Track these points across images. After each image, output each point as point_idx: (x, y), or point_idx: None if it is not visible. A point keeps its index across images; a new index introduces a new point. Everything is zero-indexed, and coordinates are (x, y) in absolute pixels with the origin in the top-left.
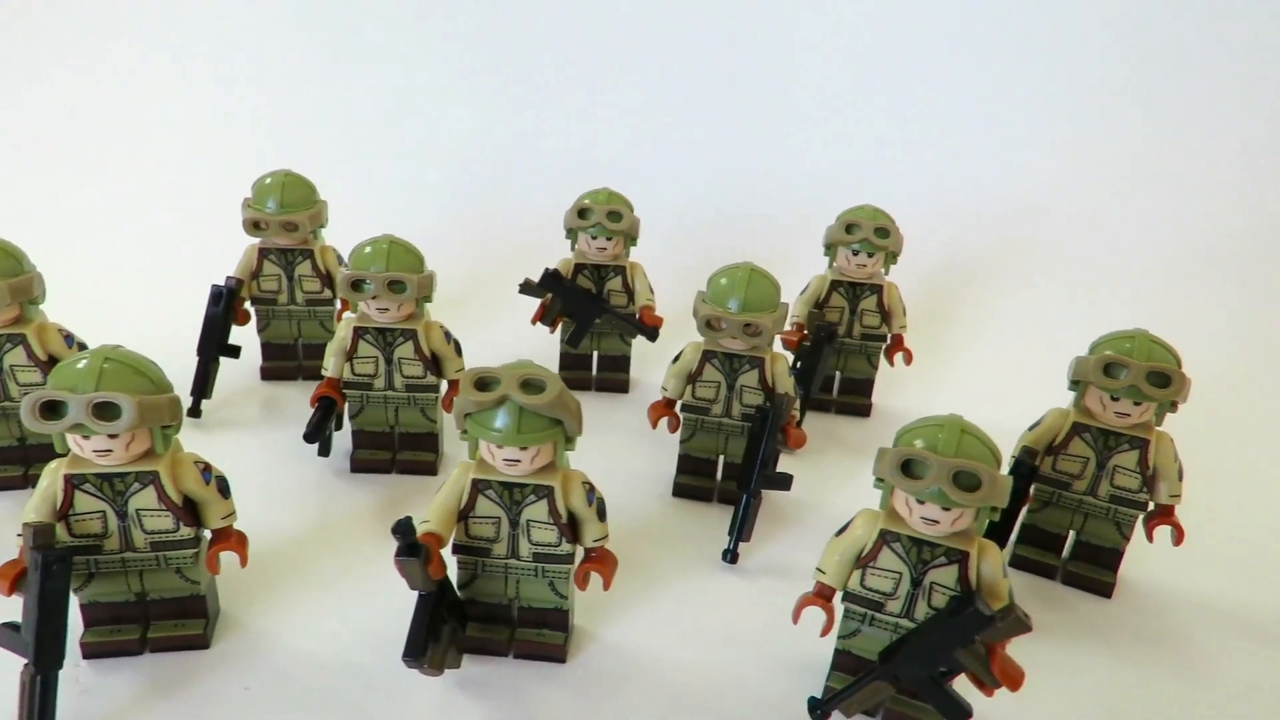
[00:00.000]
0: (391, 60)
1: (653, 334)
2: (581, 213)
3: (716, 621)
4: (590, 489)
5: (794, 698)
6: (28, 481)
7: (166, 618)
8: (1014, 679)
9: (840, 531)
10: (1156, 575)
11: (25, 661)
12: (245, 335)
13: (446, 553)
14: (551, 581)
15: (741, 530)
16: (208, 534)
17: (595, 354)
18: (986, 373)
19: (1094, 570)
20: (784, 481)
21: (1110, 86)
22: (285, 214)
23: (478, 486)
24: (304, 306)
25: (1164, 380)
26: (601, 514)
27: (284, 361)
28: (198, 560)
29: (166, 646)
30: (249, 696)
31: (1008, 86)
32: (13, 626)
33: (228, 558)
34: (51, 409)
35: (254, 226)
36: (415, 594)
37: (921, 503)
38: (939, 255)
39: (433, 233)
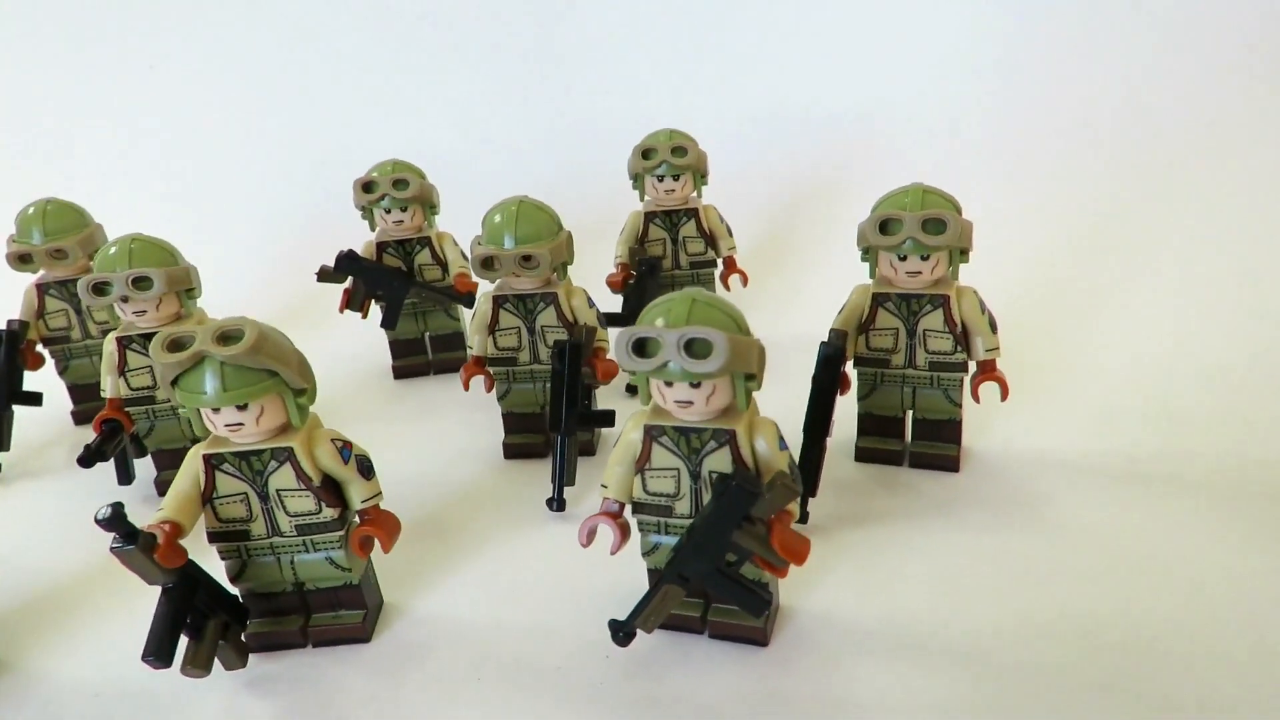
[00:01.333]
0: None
1: (469, 300)
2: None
3: (538, 574)
4: (345, 445)
5: (605, 634)
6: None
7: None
8: (797, 552)
9: (616, 442)
10: (1003, 443)
11: None
12: (45, 378)
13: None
14: (328, 555)
15: (563, 474)
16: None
17: (427, 335)
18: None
19: (936, 446)
20: (605, 418)
21: None
22: (51, 241)
23: (210, 463)
24: (99, 339)
25: (940, 226)
26: (365, 471)
27: (94, 403)
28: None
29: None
30: None
31: None
32: None
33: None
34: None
35: (21, 261)
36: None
37: (670, 385)
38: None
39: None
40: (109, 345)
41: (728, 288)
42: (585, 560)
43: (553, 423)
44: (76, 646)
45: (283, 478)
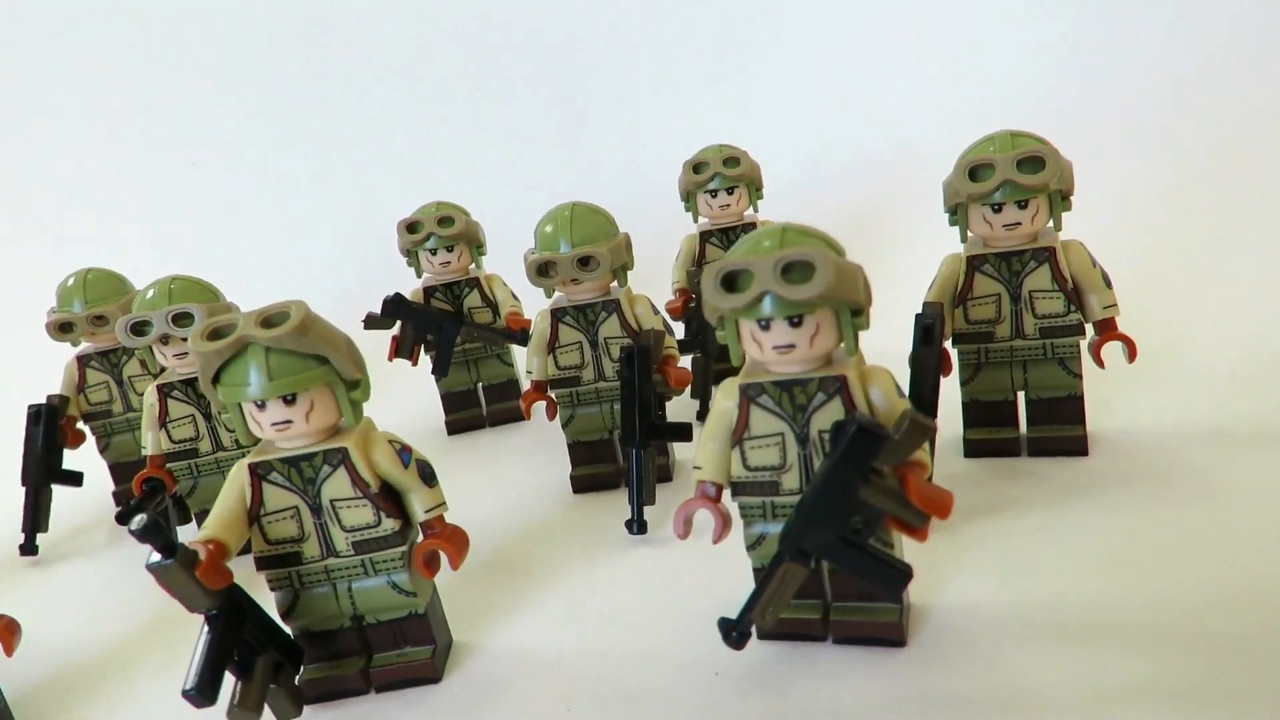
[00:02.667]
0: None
1: (523, 338)
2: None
3: (624, 600)
4: (404, 449)
5: (715, 651)
6: None
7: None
8: (939, 503)
9: (706, 419)
10: (1129, 418)
11: None
12: (87, 458)
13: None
14: (389, 577)
15: (640, 492)
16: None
17: (480, 386)
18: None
19: (1058, 429)
20: (681, 431)
21: None
22: (92, 309)
23: (257, 473)
24: (139, 412)
25: (1037, 164)
26: (428, 478)
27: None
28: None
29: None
30: None
31: None
32: None
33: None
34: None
35: (62, 330)
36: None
37: (766, 328)
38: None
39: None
40: (150, 397)
41: None
42: (677, 580)
43: (625, 435)
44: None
45: (337, 485)
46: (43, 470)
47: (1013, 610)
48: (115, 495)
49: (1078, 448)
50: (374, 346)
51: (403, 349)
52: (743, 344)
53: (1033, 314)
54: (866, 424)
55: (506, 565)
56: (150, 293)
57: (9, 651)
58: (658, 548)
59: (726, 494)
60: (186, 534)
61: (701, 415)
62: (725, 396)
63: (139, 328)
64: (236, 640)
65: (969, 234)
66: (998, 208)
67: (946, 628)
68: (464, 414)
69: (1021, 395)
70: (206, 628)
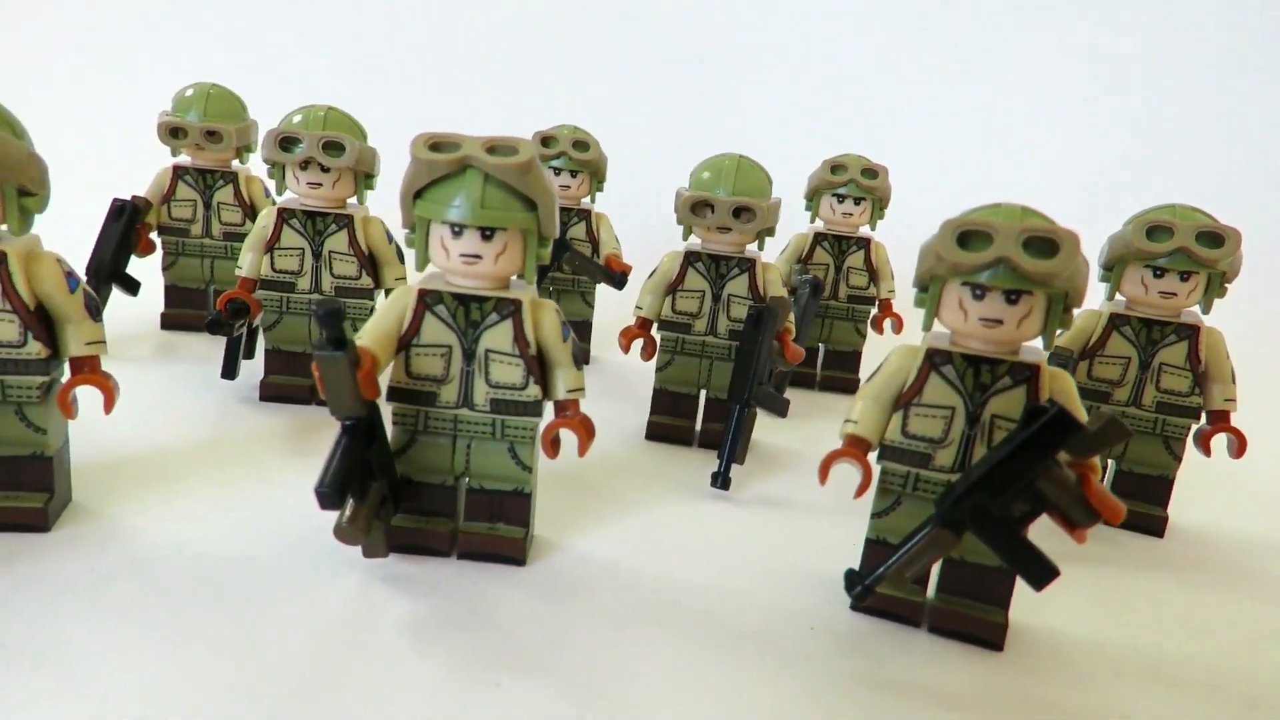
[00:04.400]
0: None
1: (620, 280)
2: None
3: (704, 543)
4: (565, 323)
5: (807, 607)
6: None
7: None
8: (1114, 508)
9: (870, 377)
10: (1204, 514)
11: None
12: (147, 275)
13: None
14: (512, 445)
15: (734, 449)
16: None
17: None
18: None
19: (1142, 505)
20: (779, 404)
21: None
22: (210, 122)
23: (425, 301)
24: (220, 241)
25: (1216, 241)
26: (578, 360)
27: (189, 310)
28: (47, 398)
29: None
30: (106, 575)
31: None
32: None
33: (88, 403)
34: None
35: (171, 135)
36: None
37: (980, 297)
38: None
39: None
40: (265, 218)
41: (880, 331)
42: (757, 536)
43: (734, 392)
44: (170, 510)
45: (498, 336)
46: (108, 267)
47: (1106, 646)
48: (163, 317)
49: (1155, 529)
50: None
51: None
52: (941, 311)
53: (1156, 386)
54: (1065, 411)
55: (581, 485)
56: (298, 117)
57: (109, 406)
58: (737, 505)
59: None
60: (248, 369)
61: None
62: (904, 357)
63: (287, 144)
64: (364, 457)
65: (1117, 293)
66: (1160, 273)
67: (1043, 645)
68: None
69: (1113, 463)
70: (345, 436)
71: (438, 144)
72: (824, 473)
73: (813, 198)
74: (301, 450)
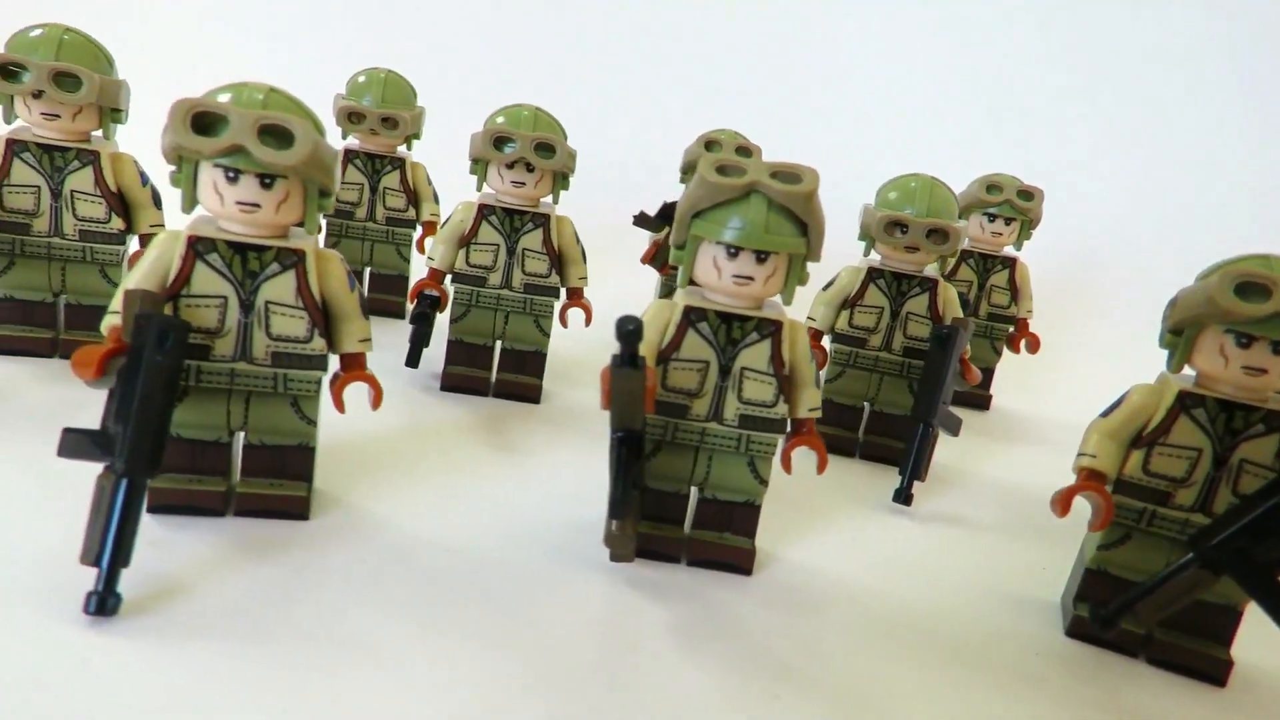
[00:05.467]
0: None
1: None
2: (709, 145)
3: (902, 559)
4: (811, 344)
5: (1022, 630)
6: (55, 349)
7: (261, 474)
8: None
9: (1107, 412)
10: None
11: (105, 466)
12: None
13: None
14: (752, 460)
15: (917, 466)
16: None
17: None
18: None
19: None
20: (954, 423)
21: None
22: (387, 109)
23: (690, 318)
24: (382, 225)
25: None
26: (818, 382)
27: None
28: (318, 391)
29: (258, 510)
30: (366, 570)
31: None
32: (86, 433)
33: (356, 401)
34: (204, 123)
35: (348, 119)
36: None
37: (1245, 345)
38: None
39: None
40: (463, 213)
41: (1016, 350)
42: (949, 559)
43: (921, 410)
44: (406, 501)
45: (755, 355)
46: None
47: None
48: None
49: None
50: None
51: (660, 257)
52: (1195, 356)
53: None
54: None
55: (775, 496)
56: (523, 113)
57: (377, 402)
58: (918, 521)
59: None
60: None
61: None
62: (1147, 396)
63: (501, 142)
64: (639, 469)
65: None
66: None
67: (1268, 685)
68: None
69: None
70: (623, 448)
71: (724, 168)
72: (1066, 506)
73: (964, 213)
74: (505, 445)
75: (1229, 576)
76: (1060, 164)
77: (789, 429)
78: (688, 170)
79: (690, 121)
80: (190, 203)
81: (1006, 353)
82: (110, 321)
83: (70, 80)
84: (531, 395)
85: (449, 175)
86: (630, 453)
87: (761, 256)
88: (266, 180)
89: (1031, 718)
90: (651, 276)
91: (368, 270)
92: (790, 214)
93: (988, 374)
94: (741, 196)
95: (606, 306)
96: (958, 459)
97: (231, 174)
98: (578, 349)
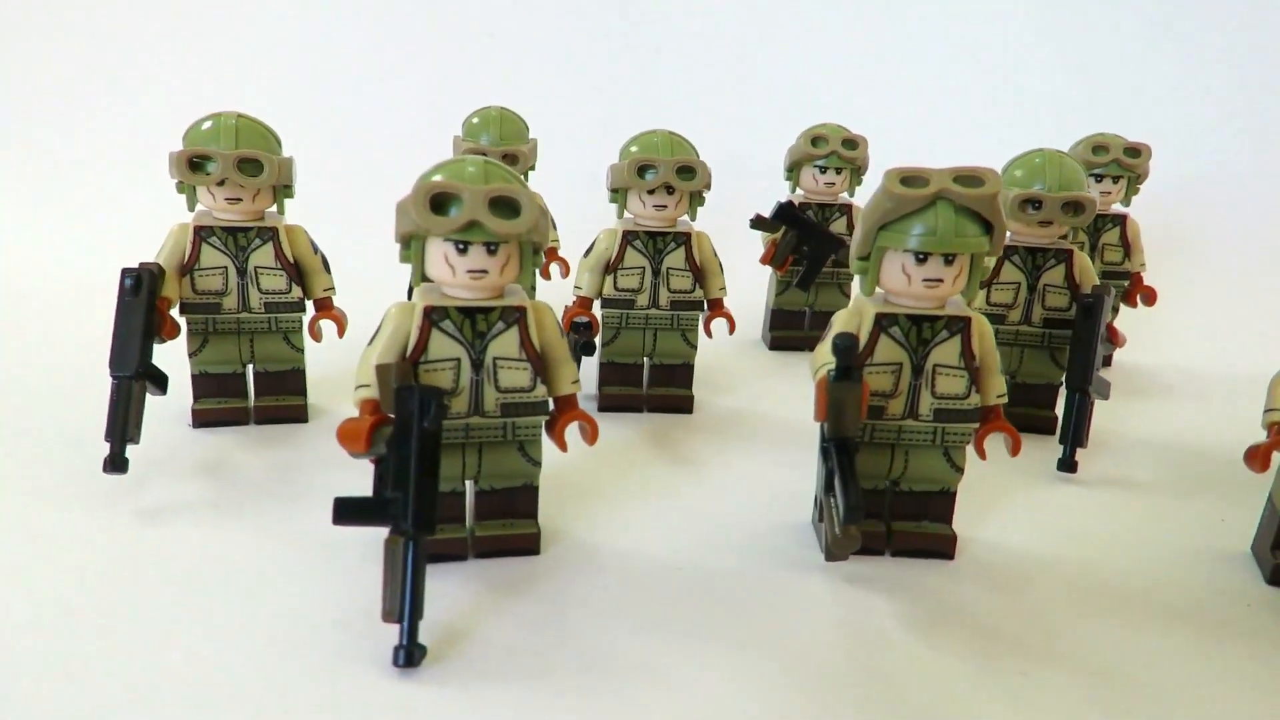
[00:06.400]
0: None
1: None
2: (815, 141)
3: (1082, 526)
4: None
5: (1225, 585)
6: (249, 416)
7: (494, 516)
8: None
9: None
10: None
11: (391, 530)
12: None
13: None
14: (949, 450)
15: (1078, 434)
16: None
17: (808, 311)
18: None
19: None
20: (1105, 388)
21: None
22: (505, 146)
23: (881, 323)
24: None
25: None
26: (1001, 367)
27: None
28: (540, 433)
29: (495, 550)
30: (610, 595)
31: None
32: (361, 500)
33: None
34: (441, 203)
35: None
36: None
37: None
38: None
39: None
40: (607, 240)
41: (1134, 304)
42: (1129, 516)
43: (1076, 378)
44: (614, 523)
45: (946, 351)
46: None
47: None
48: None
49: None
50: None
51: (779, 256)
52: None
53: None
54: None
55: None
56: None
57: (593, 438)
58: (1088, 487)
59: None
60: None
61: None
62: None
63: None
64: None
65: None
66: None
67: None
68: (790, 332)
69: None
70: (843, 455)
71: (908, 179)
72: (1265, 461)
73: (791, 171)
74: (678, 458)
75: None
76: (1145, 111)
77: (982, 418)
78: (793, 169)
79: (767, 118)
80: (420, 278)
81: (1123, 308)
82: (362, 395)
83: (252, 165)
84: (685, 406)
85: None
86: (848, 458)
87: (949, 259)
88: (492, 247)
89: (1258, 660)
90: (763, 277)
91: None
92: (974, 215)
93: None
94: (928, 205)
95: (735, 311)
96: (1101, 421)
97: (462, 246)
98: (719, 357)
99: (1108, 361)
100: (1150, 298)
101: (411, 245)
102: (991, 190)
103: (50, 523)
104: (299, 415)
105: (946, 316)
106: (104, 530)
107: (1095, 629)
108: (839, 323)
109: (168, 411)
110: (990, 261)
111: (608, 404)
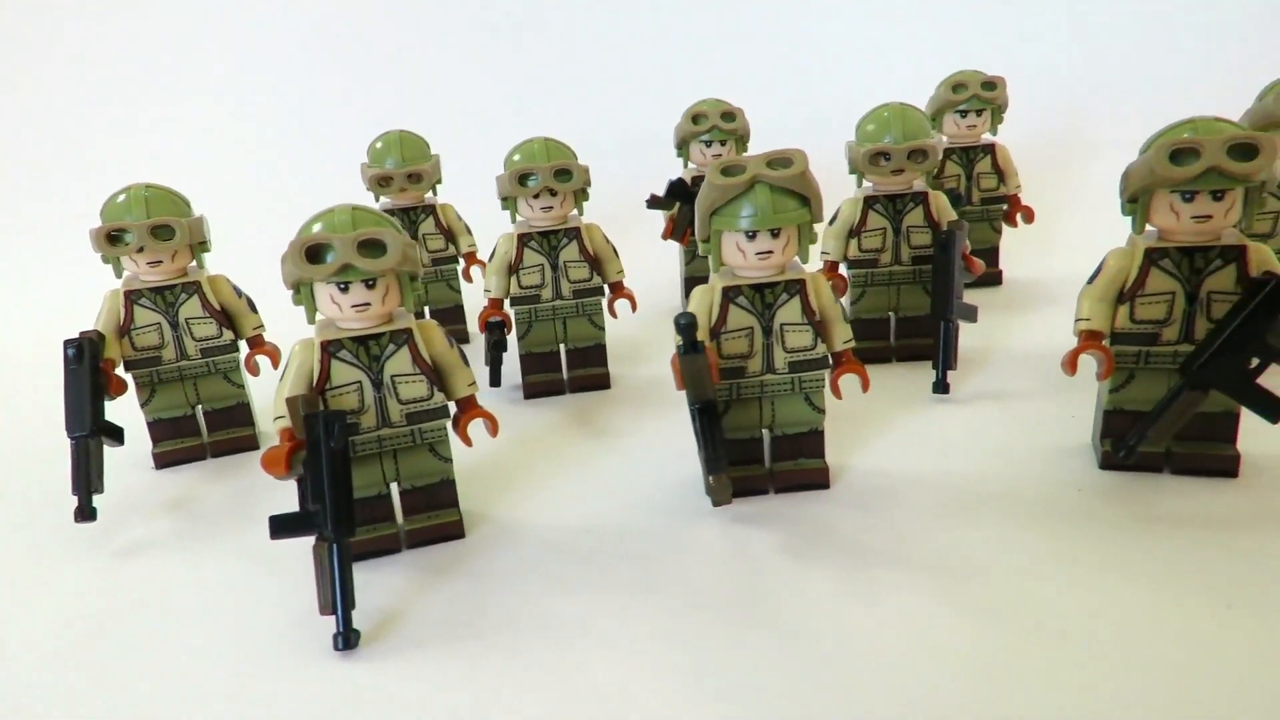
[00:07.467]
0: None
1: None
2: (695, 119)
3: (952, 440)
4: (831, 288)
5: (1063, 475)
6: (206, 451)
7: (419, 510)
8: None
9: (1092, 279)
10: None
11: (316, 537)
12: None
13: None
14: (808, 395)
15: (947, 357)
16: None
17: None
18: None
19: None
20: (971, 312)
21: None
22: (410, 166)
23: (728, 295)
24: (431, 268)
25: (1249, 151)
26: (845, 317)
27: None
28: (446, 434)
29: (425, 539)
30: (528, 564)
31: None
32: (289, 516)
33: (477, 433)
34: (315, 253)
35: (379, 184)
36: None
37: (1189, 200)
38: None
39: None
40: (506, 244)
41: (1013, 224)
42: (994, 425)
43: (937, 309)
44: (536, 503)
45: (790, 311)
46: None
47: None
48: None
49: (1228, 469)
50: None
51: (678, 229)
52: (1152, 216)
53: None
54: None
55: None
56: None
57: (494, 431)
58: (961, 405)
59: None
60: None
61: None
62: (1121, 259)
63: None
64: (718, 430)
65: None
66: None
67: (1272, 468)
68: None
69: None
70: (705, 416)
71: (728, 169)
72: (1073, 365)
73: (935, 119)
74: (597, 431)
75: (1216, 390)
76: (1024, 41)
77: (831, 363)
78: (682, 146)
79: (674, 94)
80: (312, 315)
81: (1007, 229)
82: (279, 425)
83: (165, 230)
84: (603, 383)
85: (472, 202)
86: (710, 418)
87: (775, 232)
88: (370, 282)
89: (1090, 541)
90: (674, 248)
91: (427, 309)
92: (791, 192)
93: (993, 252)
94: (748, 189)
95: (646, 287)
96: (984, 339)
97: (343, 286)
98: (631, 332)
99: (998, 279)
100: (1029, 216)
101: (300, 290)
102: (799, 169)
103: (37, 573)
104: (251, 444)
105: (784, 280)
106: (86, 574)
107: (946, 531)
108: (693, 301)
109: (132, 458)
110: (819, 228)
111: (532, 391)
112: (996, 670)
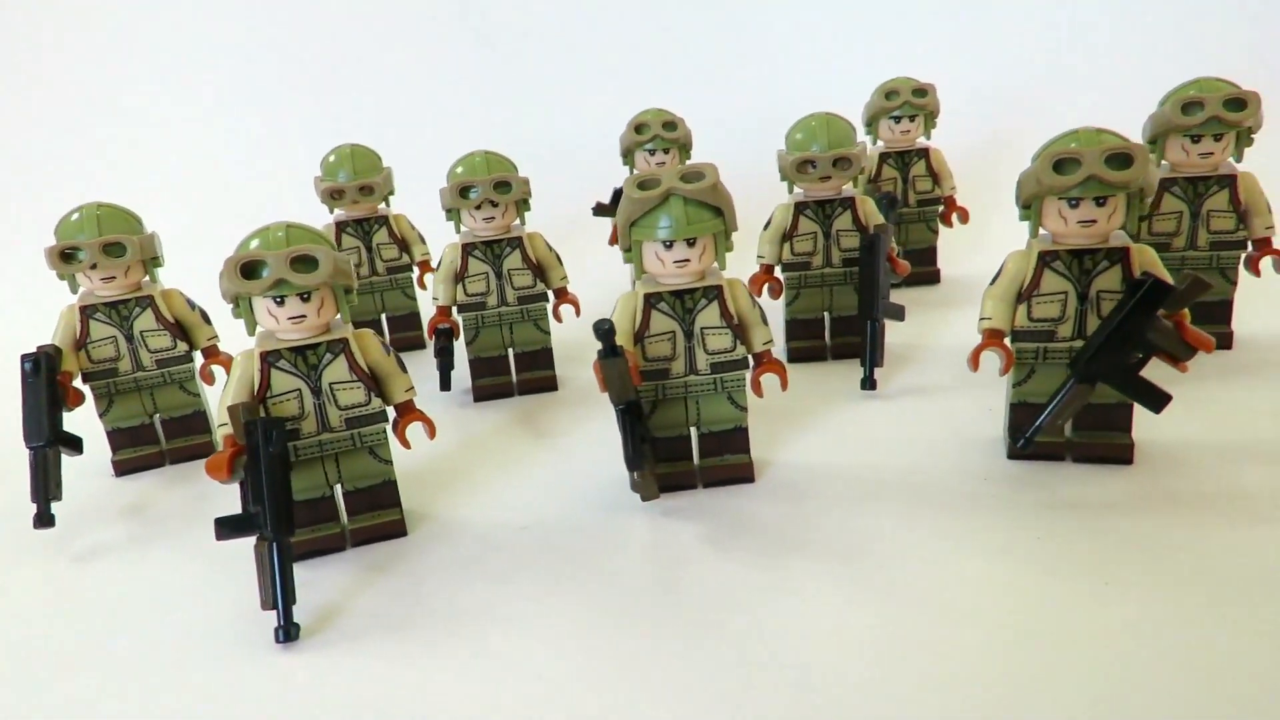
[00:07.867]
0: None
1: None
2: (638, 129)
3: (876, 435)
4: (749, 292)
5: (975, 465)
6: (164, 458)
7: (362, 510)
8: (1204, 342)
9: (993, 281)
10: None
11: (258, 537)
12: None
13: None
14: (730, 394)
15: (874, 355)
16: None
17: None
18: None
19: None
20: (899, 311)
21: None
22: (361, 179)
23: (650, 301)
24: (384, 276)
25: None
26: (764, 319)
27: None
28: (386, 437)
29: (368, 538)
30: (465, 560)
31: None
32: (233, 518)
33: (416, 436)
34: (250, 269)
35: (331, 197)
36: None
37: (1075, 206)
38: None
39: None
40: (452, 254)
41: (949, 224)
42: (914, 426)
43: (864, 310)
44: (478, 501)
45: (709, 315)
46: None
47: (1210, 443)
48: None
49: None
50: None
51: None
52: (1044, 221)
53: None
54: (1159, 279)
55: (763, 408)
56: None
57: (432, 434)
58: (887, 400)
59: None
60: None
61: None
62: (1019, 261)
63: (466, 191)
64: (643, 432)
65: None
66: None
67: (1164, 453)
68: None
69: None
70: (627, 416)
71: (644, 182)
72: (975, 361)
73: (870, 125)
74: (541, 432)
75: (1103, 383)
76: (956, 51)
77: (753, 363)
78: (627, 154)
79: (621, 104)
80: (253, 328)
81: (944, 229)
82: (223, 432)
83: (117, 247)
84: (549, 385)
85: (426, 212)
86: (632, 418)
87: (691, 242)
88: (305, 296)
89: (991, 526)
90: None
91: (384, 316)
92: (704, 203)
93: (930, 252)
94: (663, 201)
95: (595, 292)
96: (916, 336)
97: (278, 299)
98: (579, 336)
99: (936, 278)
100: (964, 216)
101: (239, 304)
102: (710, 182)
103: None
104: (208, 451)
105: (703, 286)
106: (44, 578)
107: (859, 521)
108: (617, 307)
109: (93, 466)
110: (788, 216)
111: (481, 395)
112: (896, 647)
